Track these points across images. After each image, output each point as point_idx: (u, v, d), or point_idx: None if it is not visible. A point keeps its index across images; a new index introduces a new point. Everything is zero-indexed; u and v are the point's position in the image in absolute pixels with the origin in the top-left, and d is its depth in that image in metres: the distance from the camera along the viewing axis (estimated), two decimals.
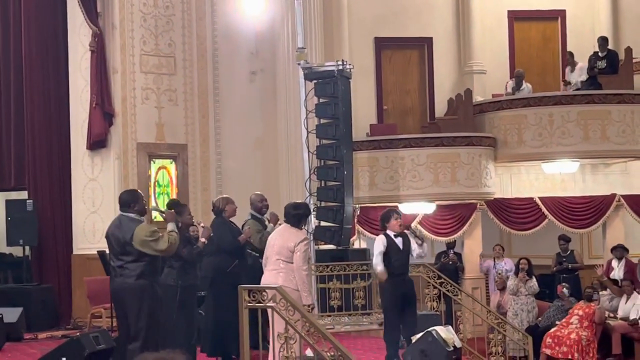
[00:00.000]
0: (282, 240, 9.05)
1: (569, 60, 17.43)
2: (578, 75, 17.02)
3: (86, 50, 15.41)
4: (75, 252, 15.69)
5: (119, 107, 15.37)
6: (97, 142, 15.32)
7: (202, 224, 10.36)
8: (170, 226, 8.85)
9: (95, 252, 14.31)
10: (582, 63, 17.08)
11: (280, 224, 9.83)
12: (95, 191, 15.51)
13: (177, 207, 10.25)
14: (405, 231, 10.72)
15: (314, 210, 13.99)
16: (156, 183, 15.86)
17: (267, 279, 8.93)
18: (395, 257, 10.36)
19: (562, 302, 14.67)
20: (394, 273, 10.38)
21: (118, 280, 8.69)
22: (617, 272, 15.43)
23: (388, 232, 10.50)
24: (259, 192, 11.96)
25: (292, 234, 9.06)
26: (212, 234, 10.36)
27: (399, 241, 10.46)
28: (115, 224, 8.80)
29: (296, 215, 9.24)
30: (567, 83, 17.15)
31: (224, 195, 11.44)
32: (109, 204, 15.22)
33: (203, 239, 9.94)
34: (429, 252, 18.11)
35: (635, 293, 14.78)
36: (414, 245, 10.59)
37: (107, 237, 8.85)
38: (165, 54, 16.09)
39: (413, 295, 10.55)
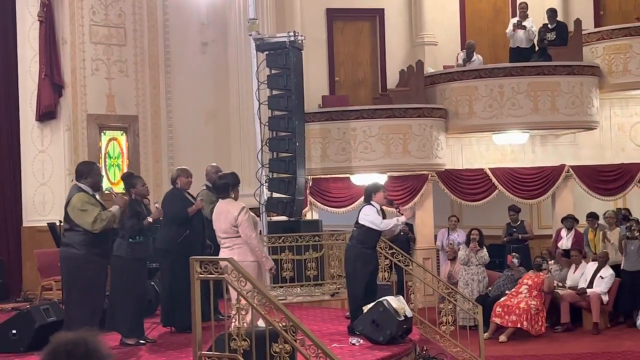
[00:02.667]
0: (223, 218, 9.02)
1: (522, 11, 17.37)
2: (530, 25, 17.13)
3: (35, 20, 15.19)
4: (25, 224, 15.54)
5: (69, 78, 15.20)
6: (47, 114, 15.15)
7: (157, 205, 10.30)
8: (113, 208, 8.92)
9: (45, 225, 14.21)
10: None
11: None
12: (45, 163, 15.36)
13: (130, 178, 10.20)
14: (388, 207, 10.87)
15: (266, 182, 14.00)
16: (107, 155, 15.74)
17: (223, 256, 8.91)
18: (375, 230, 10.44)
19: (511, 271, 14.84)
20: (372, 246, 10.51)
21: (61, 248, 8.96)
22: (566, 242, 15.64)
23: (372, 203, 10.53)
24: (214, 164, 11.94)
25: (229, 209, 9.01)
26: (162, 217, 10.33)
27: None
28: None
29: (222, 184, 9.21)
30: (520, 25, 17.11)
31: (181, 167, 11.38)
32: (59, 176, 15.10)
33: (150, 219, 9.84)
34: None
35: (583, 262, 15.02)
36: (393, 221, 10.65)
37: None
38: (115, 24, 15.93)
39: (377, 266, 10.81)
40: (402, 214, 10.77)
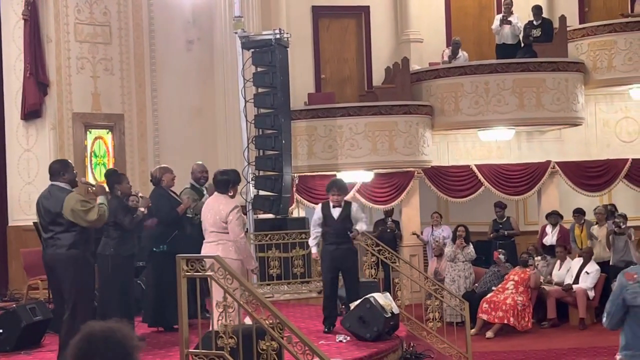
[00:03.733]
0: (214, 212, 9.00)
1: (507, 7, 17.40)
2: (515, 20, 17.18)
3: (19, 19, 15.11)
4: (10, 223, 15.47)
5: (54, 76, 15.14)
6: (32, 113, 15.08)
7: (140, 194, 10.29)
8: (100, 199, 8.80)
9: (32, 224, 14.13)
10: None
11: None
12: (30, 162, 15.29)
13: (115, 176, 10.19)
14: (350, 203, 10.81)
15: (252, 180, 14.00)
16: (92, 153, 15.69)
17: (206, 251, 8.89)
18: (330, 226, 10.41)
19: (498, 267, 14.89)
20: (328, 242, 10.49)
21: (49, 251, 8.65)
22: (551, 238, 15.69)
23: (329, 201, 10.56)
24: (200, 162, 11.92)
25: (222, 204, 8.99)
26: (150, 204, 10.33)
27: (335, 211, 10.49)
28: (44, 194, 8.76)
29: (223, 180, 9.17)
30: (505, 21, 17.13)
31: (162, 165, 11.36)
32: (44, 175, 14.87)
33: (142, 209, 9.88)
34: (367, 219, 18.32)
35: (568, 259, 15.08)
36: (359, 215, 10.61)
37: (37, 207, 8.79)
38: (100, 22, 15.87)
39: (348, 263, 10.53)
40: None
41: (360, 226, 10.52)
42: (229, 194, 9.14)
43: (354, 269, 10.76)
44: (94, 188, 9.24)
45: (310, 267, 13.59)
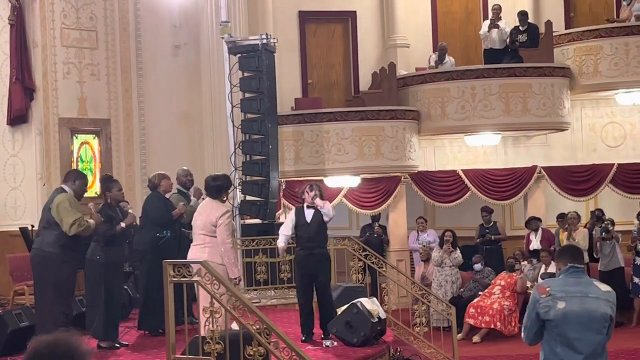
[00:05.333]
0: (205, 215, 9.04)
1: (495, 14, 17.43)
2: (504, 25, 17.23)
3: (5, 24, 15.09)
4: None
5: (40, 81, 15.12)
6: (18, 118, 15.05)
7: (130, 209, 10.31)
8: (90, 221, 9.07)
9: (17, 229, 14.12)
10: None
11: (203, 199, 9.79)
12: (16, 167, 15.26)
13: (108, 182, 10.22)
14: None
15: (239, 185, 13.99)
16: (79, 159, 15.66)
17: (192, 254, 8.92)
18: (303, 231, 10.28)
19: (479, 276, 14.89)
20: (301, 247, 10.30)
21: (34, 246, 8.98)
22: (536, 243, 15.70)
23: (304, 202, 10.42)
24: (185, 168, 11.92)
25: (213, 207, 9.03)
26: (135, 223, 10.39)
27: (308, 213, 10.29)
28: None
29: (215, 186, 9.20)
30: (494, 25, 17.17)
31: (160, 172, 11.36)
32: (30, 180, 15.02)
33: (123, 224, 9.82)
34: (354, 224, 18.33)
35: (553, 263, 15.07)
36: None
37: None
38: (87, 27, 15.85)
39: (318, 269, 10.22)
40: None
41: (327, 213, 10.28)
42: (222, 199, 9.20)
43: (325, 277, 10.35)
44: (92, 214, 9.43)
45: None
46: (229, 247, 8.93)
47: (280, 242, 10.42)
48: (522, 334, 5.80)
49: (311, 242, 10.21)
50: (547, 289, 5.59)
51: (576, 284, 5.61)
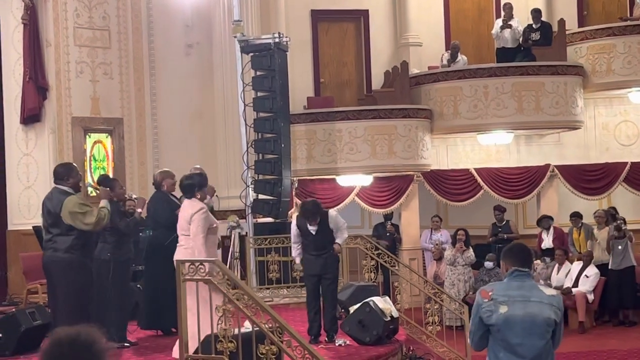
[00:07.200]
0: (181, 215, 9.04)
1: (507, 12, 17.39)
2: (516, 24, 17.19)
3: (18, 23, 15.12)
4: (10, 227, 15.47)
5: (53, 80, 15.15)
6: (31, 117, 15.08)
7: (134, 196, 10.31)
8: (103, 202, 8.91)
9: (31, 228, 14.15)
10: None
11: (216, 195, 9.78)
12: (29, 166, 15.30)
13: (107, 181, 10.20)
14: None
15: (252, 184, 14.00)
16: (92, 157, 15.70)
17: (175, 255, 8.90)
18: (308, 239, 10.24)
19: (486, 274, 14.81)
20: (308, 252, 10.25)
21: (47, 253, 8.76)
22: (547, 242, 15.67)
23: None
24: (198, 166, 11.91)
25: (189, 207, 8.99)
26: (147, 202, 10.37)
27: (312, 227, 10.15)
28: (48, 196, 8.90)
29: (187, 185, 9.18)
30: (506, 25, 17.12)
31: (164, 169, 11.36)
32: (44, 179, 15.04)
33: (139, 210, 9.89)
34: (367, 223, 18.32)
35: (567, 262, 15.06)
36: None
37: (42, 208, 8.95)
38: (100, 26, 15.89)
39: (329, 271, 10.19)
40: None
41: (341, 236, 10.23)
42: (196, 197, 9.11)
43: (332, 279, 10.28)
44: (98, 191, 9.32)
45: None
46: (200, 242, 8.78)
47: (297, 258, 10.44)
48: (468, 339, 5.65)
49: (318, 250, 10.19)
50: (490, 293, 5.42)
51: (518, 288, 5.44)
